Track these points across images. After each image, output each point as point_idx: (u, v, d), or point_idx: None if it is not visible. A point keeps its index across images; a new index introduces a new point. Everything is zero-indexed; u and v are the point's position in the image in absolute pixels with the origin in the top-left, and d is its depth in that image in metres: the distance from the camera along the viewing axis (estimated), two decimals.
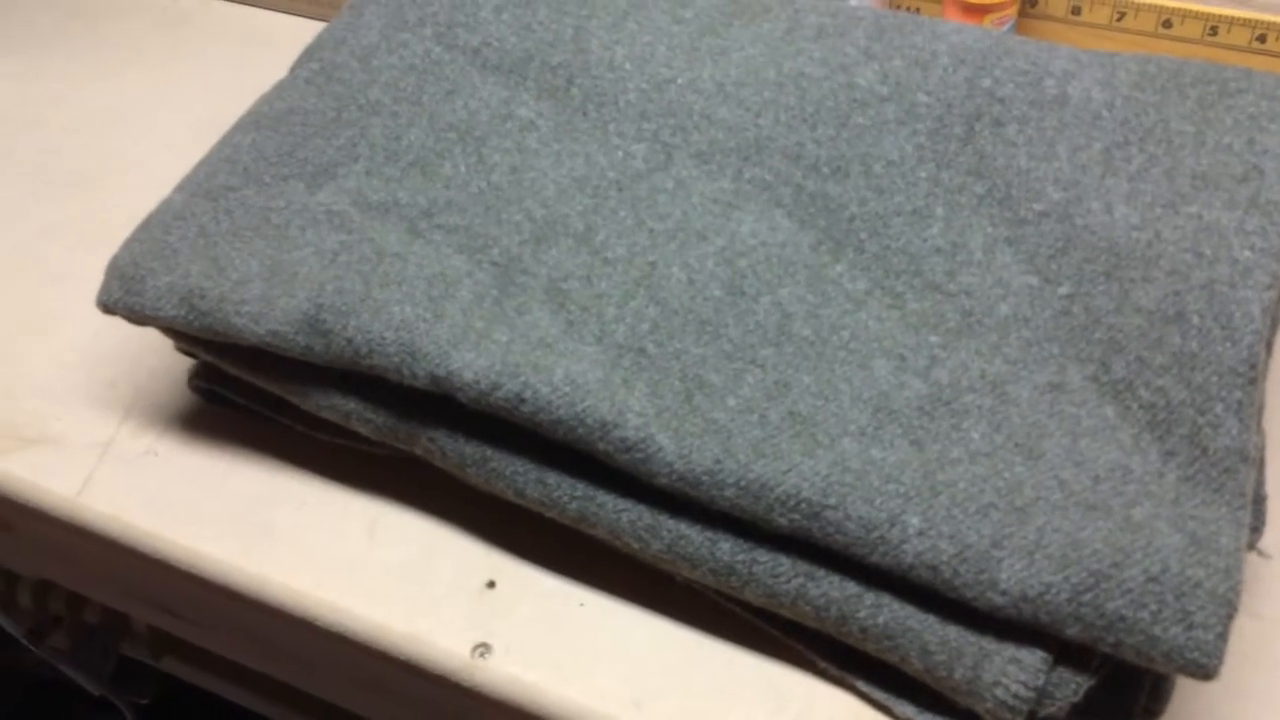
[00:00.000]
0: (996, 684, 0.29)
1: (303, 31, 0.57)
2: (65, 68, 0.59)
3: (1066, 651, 0.29)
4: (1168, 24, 0.49)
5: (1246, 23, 0.47)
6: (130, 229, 0.39)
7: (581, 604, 0.36)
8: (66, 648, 0.61)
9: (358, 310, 0.34)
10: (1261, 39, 0.48)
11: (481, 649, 0.35)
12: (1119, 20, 0.49)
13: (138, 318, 0.37)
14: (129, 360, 0.44)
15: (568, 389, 0.32)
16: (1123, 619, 0.28)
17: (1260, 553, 0.33)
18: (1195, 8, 0.48)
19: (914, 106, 0.38)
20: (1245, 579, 0.34)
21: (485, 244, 0.37)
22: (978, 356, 0.33)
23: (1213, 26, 0.48)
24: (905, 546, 0.30)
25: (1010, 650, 0.29)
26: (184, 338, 0.38)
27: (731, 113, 0.39)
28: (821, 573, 0.31)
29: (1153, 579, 0.28)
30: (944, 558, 0.29)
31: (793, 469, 0.31)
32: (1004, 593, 0.29)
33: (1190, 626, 0.27)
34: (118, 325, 0.45)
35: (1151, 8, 0.49)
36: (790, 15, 0.41)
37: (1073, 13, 0.50)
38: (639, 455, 0.32)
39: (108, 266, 0.38)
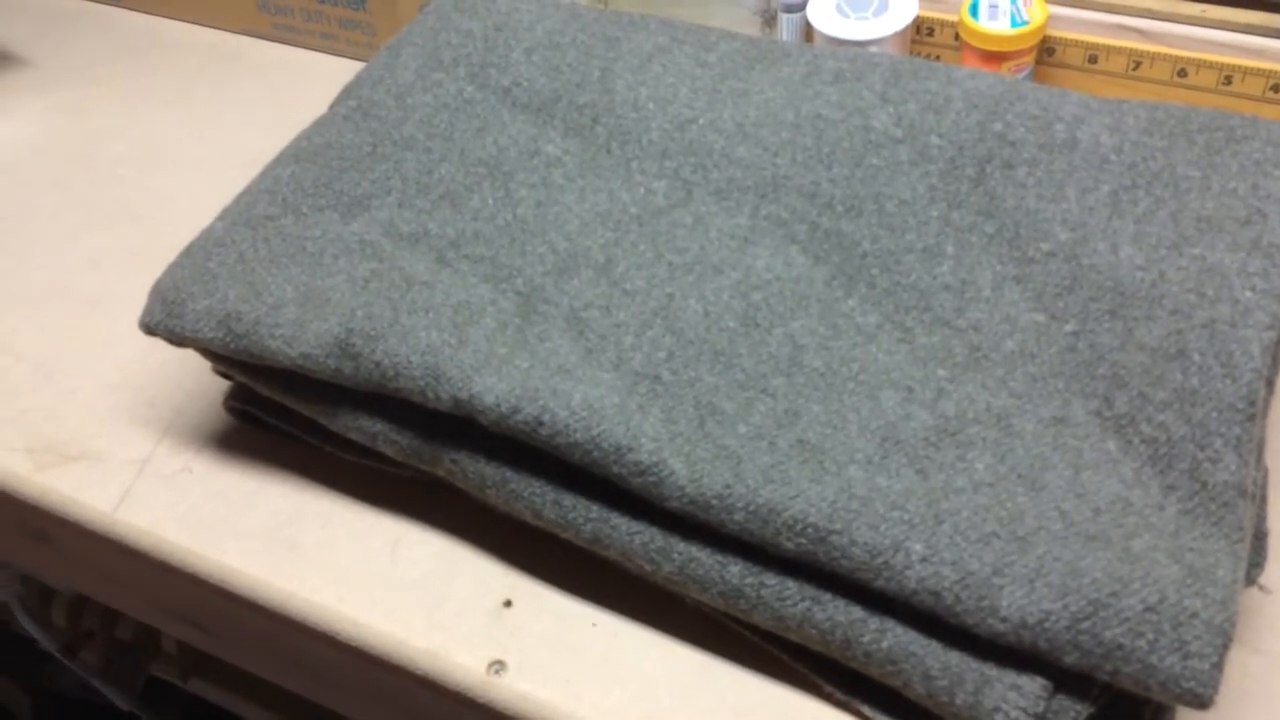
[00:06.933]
0: (997, 710, 0.30)
1: (343, 70, 0.60)
2: (117, 102, 0.62)
3: (1067, 679, 0.30)
4: (1183, 73, 0.50)
5: (1261, 73, 0.48)
6: (174, 256, 0.41)
7: (594, 624, 0.37)
8: (98, 664, 0.62)
9: (386, 335, 0.36)
10: (1275, 89, 0.48)
11: (496, 666, 0.36)
12: (1135, 69, 0.50)
13: (178, 339, 0.39)
14: (168, 382, 0.46)
15: (585, 413, 0.33)
16: (1120, 647, 0.28)
17: (1262, 588, 0.33)
18: (1210, 57, 0.49)
19: (927, 148, 0.39)
20: (1248, 615, 0.34)
21: (510, 274, 0.39)
22: (984, 390, 0.34)
23: (1227, 76, 0.49)
24: (908, 572, 0.30)
25: (1011, 677, 0.30)
26: (221, 359, 0.40)
27: (750, 152, 0.40)
28: (828, 597, 0.32)
29: (1150, 609, 0.28)
30: (946, 584, 0.30)
31: (800, 495, 0.32)
32: (1004, 619, 0.29)
33: (1186, 656, 0.28)
34: (158, 348, 0.47)
35: (1167, 57, 0.50)
36: (809, 60, 0.43)
37: (1089, 61, 0.51)
38: (652, 479, 0.33)
39: (151, 290, 0.39)
